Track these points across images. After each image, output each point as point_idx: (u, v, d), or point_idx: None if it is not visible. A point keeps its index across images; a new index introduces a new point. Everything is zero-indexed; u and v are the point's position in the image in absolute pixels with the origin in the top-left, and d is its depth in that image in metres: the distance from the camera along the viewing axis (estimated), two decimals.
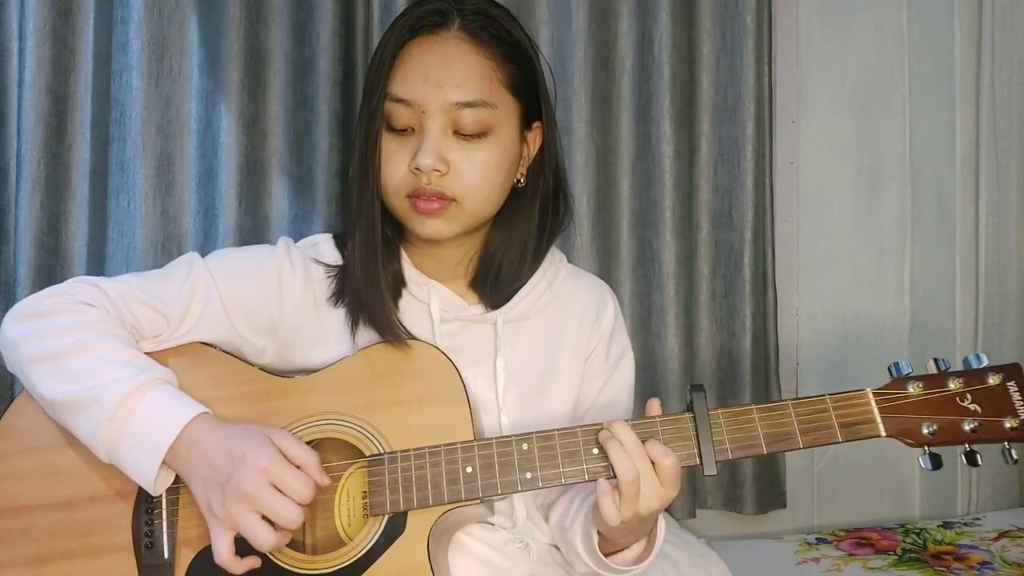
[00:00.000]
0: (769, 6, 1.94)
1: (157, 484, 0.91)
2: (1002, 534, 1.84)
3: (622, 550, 0.99)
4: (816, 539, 1.85)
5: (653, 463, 0.89)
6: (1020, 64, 2.04)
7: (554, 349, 1.08)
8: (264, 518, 0.86)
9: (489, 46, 0.99)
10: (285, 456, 0.88)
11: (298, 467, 0.88)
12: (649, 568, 1.01)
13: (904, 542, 1.82)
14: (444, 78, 0.96)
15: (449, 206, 0.98)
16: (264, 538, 0.86)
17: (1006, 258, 2.06)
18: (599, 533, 0.98)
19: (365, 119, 0.99)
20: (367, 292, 1.01)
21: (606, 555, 0.99)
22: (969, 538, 1.82)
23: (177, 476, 0.93)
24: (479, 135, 0.98)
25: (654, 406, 0.95)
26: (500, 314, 1.05)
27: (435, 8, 0.99)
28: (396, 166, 0.98)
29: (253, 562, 0.89)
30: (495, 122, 0.98)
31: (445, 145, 0.97)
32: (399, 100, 0.97)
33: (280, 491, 0.86)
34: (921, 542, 1.82)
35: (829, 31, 2.07)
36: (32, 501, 0.97)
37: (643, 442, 0.90)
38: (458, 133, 0.97)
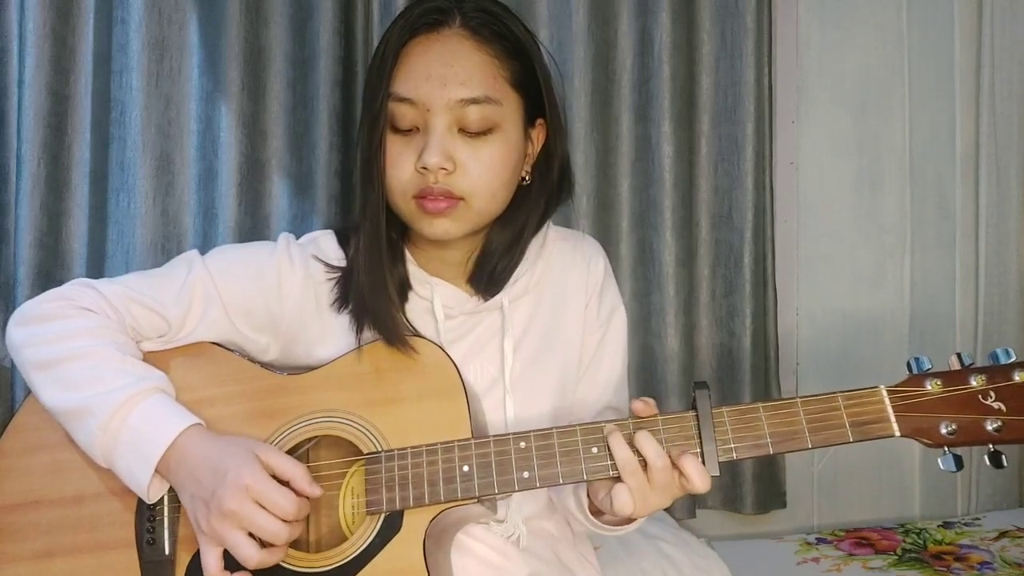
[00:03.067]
0: (769, 6, 1.94)
1: (151, 493, 0.92)
2: (1002, 534, 1.83)
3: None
4: (816, 539, 1.85)
5: (645, 461, 0.87)
6: (1020, 64, 2.04)
7: (553, 308, 1.09)
8: (252, 534, 0.86)
9: (491, 43, 0.98)
10: (273, 471, 0.88)
11: (287, 481, 0.87)
12: (651, 568, 1.01)
13: (904, 542, 1.81)
14: (448, 76, 0.95)
15: (457, 205, 0.97)
16: (249, 554, 0.85)
17: (1006, 258, 2.06)
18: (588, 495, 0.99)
19: (368, 121, 0.98)
20: (372, 297, 1.00)
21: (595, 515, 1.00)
22: (969, 538, 1.82)
23: None
24: (485, 132, 0.97)
25: (638, 407, 0.92)
26: (504, 295, 1.05)
27: (436, 6, 0.98)
28: (402, 167, 0.97)
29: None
30: (500, 119, 0.98)
31: (451, 143, 0.96)
32: (403, 99, 0.96)
33: (264, 508, 0.85)
34: (921, 542, 1.81)
35: (829, 31, 2.06)
36: (41, 496, 0.97)
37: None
38: (463, 131, 0.96)
